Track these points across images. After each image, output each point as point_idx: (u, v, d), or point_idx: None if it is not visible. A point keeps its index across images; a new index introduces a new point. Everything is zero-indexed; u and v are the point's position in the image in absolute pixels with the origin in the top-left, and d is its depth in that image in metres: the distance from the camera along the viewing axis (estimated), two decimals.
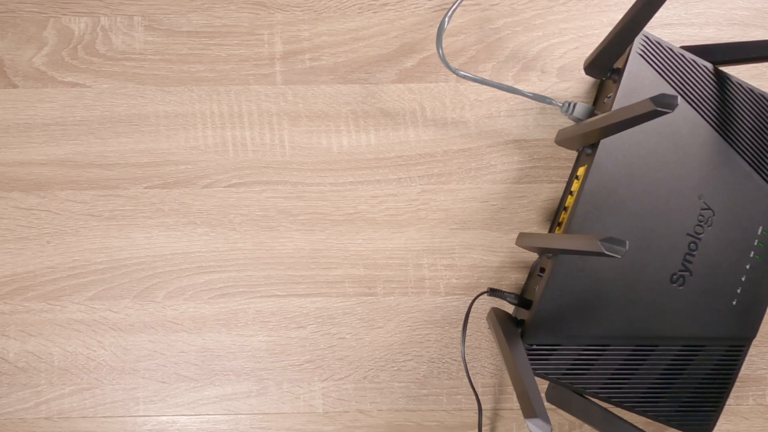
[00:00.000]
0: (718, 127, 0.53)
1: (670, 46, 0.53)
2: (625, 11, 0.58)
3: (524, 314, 0.53)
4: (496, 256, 0.58)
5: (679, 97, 0.51)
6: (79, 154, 0.57)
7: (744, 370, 0.58)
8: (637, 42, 0.52)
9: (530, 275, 0.57)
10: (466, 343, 0.58)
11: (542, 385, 0.57)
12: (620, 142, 0.52)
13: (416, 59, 0.58)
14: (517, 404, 0.57)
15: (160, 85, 0.57)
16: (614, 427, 0.49)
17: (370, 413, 0.57)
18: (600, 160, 0.51)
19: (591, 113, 0.54)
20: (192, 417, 0.57)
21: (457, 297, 0.58)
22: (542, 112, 0.58)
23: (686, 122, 0.53)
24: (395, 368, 0.57)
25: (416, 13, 0.58)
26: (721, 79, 0.54)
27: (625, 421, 0.48)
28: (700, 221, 0.53)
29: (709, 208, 0.53)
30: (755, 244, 0.54)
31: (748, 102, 0.54)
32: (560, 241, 0.48)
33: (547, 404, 0.57)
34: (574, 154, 0.58)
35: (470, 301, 0.57)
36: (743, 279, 0.53)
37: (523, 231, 0.58)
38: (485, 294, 0.57)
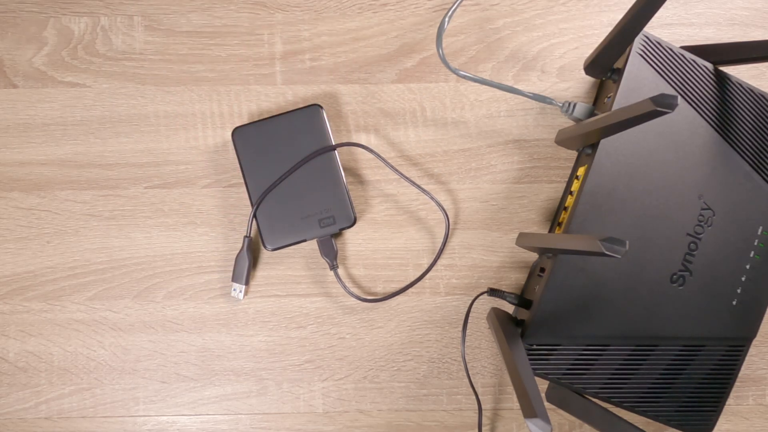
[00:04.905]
0: (718, 127, 0.53)
1: (670, 46, 0.53)
2: (625, 11, 0.59)
3: (524, 314, 0.53)
4: (496, 256, 0.58)
5: (679, 97, 0.51)
6: (79, 154, 0.57)
7: (744, 370, 0.58)
8: (637, 42, 0.52)
9: (530, 275, 0.57)
10: (466, 343, 0.58)
11: (542, 385, 0.57)
12: (620, 142, 0.52)
13: (416, 59, 0.58)
14: (517, 404, 0.57)
15: (160, 85, 0.57)
16: (614, 427, 0.49)
17: (370, 413, 0.57)
18: (600, 160, 0.51)
19: (591, 113, 0.54)
20: (192, 417, 0.57)
21: (457, 297, 0.58)
22: (542, 112, 0.58)
23: (686, 122, 0.53)
24: (395, 368, 0.57)
25: (416, 13, 0.58)
26: (721, 79, 0.54)
27: (625, 421, 0.48)
28: (700, 221, 0.53)
29: (709, 208, 0.53)
30: (755, 244, 0.54)
31: (748, 102, 0.54)
32: (560, 241, 0.48)
33: (547, 404, 0.57)
34: (574, 154, 0.58)
35: (470, 301, 0.57)
36: (743, 279, 0.54)
37: (523, 231, 0.58)
38: (485, 294, 0.57)
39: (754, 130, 0.54)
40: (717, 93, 0.54)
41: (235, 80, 0.58)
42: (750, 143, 0.54)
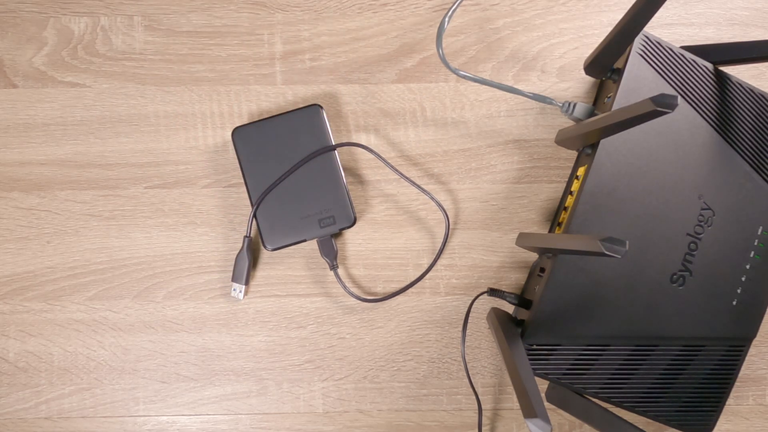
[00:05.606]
0: (718, 127, 0.53)
1: (670, 46, 0.53)
2: (625, 11, 0.59)
3: (524, 314, 0.53)
4: (496, 256, 0.58)
5: (679, 97, 0.51)
6: (79, 154, 0.57)
7: (744, 370, 0.58)
8: (637, 42, 0.52)
9: (530, 275, 0.57)
10: (466, 343, 0.58)
11: (542, 385, 0.57)
12: (620, 142, 0.52)
13: (416, 59, 0.58)
14: (517, 404, 0.57)
15: (160, 85, 0.57)
16: (614, 427, 0.49)
17: (370, 413, 0.57)
18: (600, 160, 0.51)
19: (591, 113, 0.54)
20: (192, 417, 0.57)
21: (457, 297, 0.58)
22: (542, 112, 0.58)
23: (686, 122, 0.53)
24: (395, 368, 0.57)
25: (416, 13, 0.58)
26: (721, 79, 0.54)
27: (625, 421, 0.48)
28: (700, 221, 0.53)
29: (709, 208, 0.53)
30: (755, 244, 0.54)
31: (748, 102, 0.54)
32: (560, 241, 0.48)
33: (547, 404, 0.57)
34: (574, 154, 0.58)
35: (470, 301, 0.57)
36: (743, 279, 0.54)
37: (523, 231, 0.58)
38: (485, 294, 0.57)
39: (754, 130, 0.54)
40: (717, 93, 0.54)
41: (235, 80, 0.58)
42: (750, 143, 0.54)
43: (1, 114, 0.57)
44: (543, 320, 0.51)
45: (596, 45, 0.58)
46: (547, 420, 0.41)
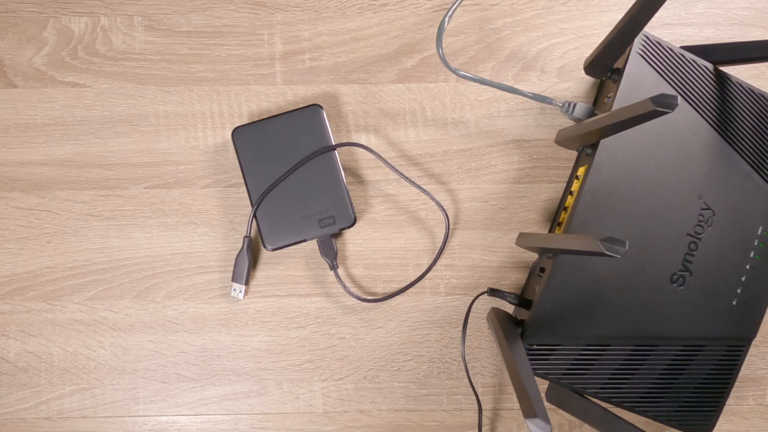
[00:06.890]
0: (718, 127, 0.53)
1: (670, 46, 0.53)
2: (625, 11, 0.59)
3: (524, 314, 0.53)
4: (496, 256, 0.58)
5: (679, 97, 0.51)
6: (79, 154, 0.57)
7: (744, 370, 0.58)
8: (637, 42, 0.52)
9: (530, 275, 0.57)
10: (466, 343, 0.58)
11: (542, 385, 0.57)
12: (620, 142, 0.52)
13: (416, 59, 0.58)
14: (517, 404, 0.57)
15: (160, 85, 0.57)
16: (614, 427, 0.49)
17: (370, 413, 0.57)
18: (600, 160, 0.51)
19: (591, 113, 0.54)
20: (192, 417, 0.57)
21: (457, 297, 0.58)
22: (542, 112, 0.58)
23: (686, 122, 0.53)
24: (395, 368, 0.57)
25: (416, 13, 0.58)
26: (721, 79, 0.54)
27: (625, 421, 0.48)
28: (700, 221, 0.53)
29: (709, 208, 0.53)
30: (755, 244, 0.54)
31: (748, 102, 0.54)
32: (560, 241, 0.48)
33: (547, 404, 0.57)
34: (574, 154, 0.58)
35: (470, 301, 0.57)
36: (743, 279, 0.54)
37: (523, 231, 0.58)
38: (485, 294, 0.57)
39: (754, 130, 0.54)
40: (717, 93, 0.54)
41: (235, 80, 0.58)
42: (750, 143, 0.54)
43: (1, 114, 0.57)
44: (543, 320, 0.51)
45: (596, 45, 0.58)
46: (547, 420, 0.41)
